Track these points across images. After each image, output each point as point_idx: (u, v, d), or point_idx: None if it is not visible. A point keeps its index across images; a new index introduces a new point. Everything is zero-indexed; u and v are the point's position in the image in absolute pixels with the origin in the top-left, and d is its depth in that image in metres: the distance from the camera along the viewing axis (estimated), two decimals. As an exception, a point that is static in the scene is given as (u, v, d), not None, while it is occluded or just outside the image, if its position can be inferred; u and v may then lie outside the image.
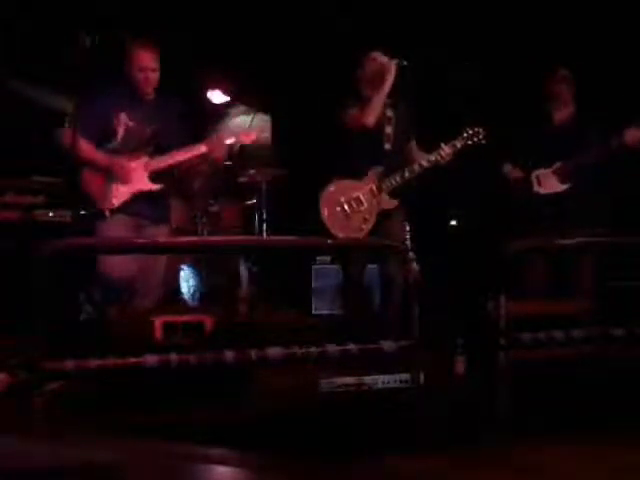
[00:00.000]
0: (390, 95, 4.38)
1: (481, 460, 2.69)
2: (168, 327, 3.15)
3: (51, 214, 4.70)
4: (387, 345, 3.02)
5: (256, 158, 5.93)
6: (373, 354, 3.06)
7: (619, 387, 3.19)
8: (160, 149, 4.06)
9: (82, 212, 3.96)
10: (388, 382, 3.12)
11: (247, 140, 4.27)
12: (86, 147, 3.88)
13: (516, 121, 4.72)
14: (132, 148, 4.00)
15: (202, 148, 4.08)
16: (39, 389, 2.65)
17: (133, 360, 2.74)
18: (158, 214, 4.14)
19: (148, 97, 4.07)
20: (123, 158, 3.96)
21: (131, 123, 4.01)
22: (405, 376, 3.01)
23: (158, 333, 3.13)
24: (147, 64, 4.00)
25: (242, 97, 6.64)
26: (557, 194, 4.45)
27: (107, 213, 3.91)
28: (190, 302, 5.44)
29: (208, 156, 4.13)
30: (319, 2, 5.90)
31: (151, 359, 2.75)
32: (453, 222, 6.10)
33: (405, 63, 4.23)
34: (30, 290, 2.68)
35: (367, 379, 3.11)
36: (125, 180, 3.95)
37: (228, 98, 6.46)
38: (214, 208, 5.73)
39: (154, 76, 4.03)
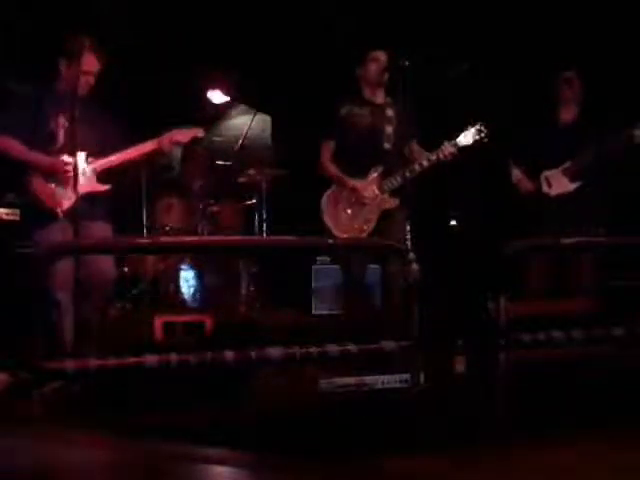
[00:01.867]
0: (390, 95, 4.39)
1: (481, 460, 2.69)
2: (168, 327, 3.15)
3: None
4: (387, 345, 3.02)
5: (256, 158, 5.94)
6: (373, 354, 3.06)
7: (619, 387, 3.19)
8: (103, 151, 4.01)
9: (31, 212, 3.90)
10: (388, 382, 3.12)
11: (184, 139, 4.16)
12: (22, 149, 3.84)
13: (521, 122, 4.70)
14: (74, 150, 3.88)
15: (150, 146, 4.04)
16: (39, 389, 2.65)
17: (133, 360, 2.74)
18: (97, 212, 4.04)
19: (83, 99, 3.96)
20: (65, 159, 3.89)
21: (70, 126, 3.88)
22: (405, 376, 3.01)
23: (158, 333, 3.13)
24: (92, 68, 3.95)
25: (242, 97, 6.64)
26: (567, 194, 4.42)
27: (60, 215, 3.83)
28: (190, 302, 5.44)
29: (156, 153, 4.10)
30: (319, 2, 5.90)
31: (151, 359, 2.75)
32: (453, 222, 6.10)
33: (406, 63, 4.22)
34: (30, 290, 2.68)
35: (367, 379, 3.11)
36: (71, 181, 3.85)
37: (228, 98, 6.46)
38: (214, 208, 5.73)
39: (92, 80, 3.98)
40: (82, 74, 3.90)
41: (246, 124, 6.02)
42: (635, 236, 3.36)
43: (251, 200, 5.84)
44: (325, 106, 4.59)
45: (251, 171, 5.61)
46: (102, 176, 4.01)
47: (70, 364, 2.67)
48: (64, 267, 3.61)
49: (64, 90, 3.94)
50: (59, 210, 3.85)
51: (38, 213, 3.87)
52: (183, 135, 4.16)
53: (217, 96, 6.43)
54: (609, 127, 4.30)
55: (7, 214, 4.49)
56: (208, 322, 3.17)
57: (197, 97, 6.36)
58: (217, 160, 5.89)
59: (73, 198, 3.85)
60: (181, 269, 5.49)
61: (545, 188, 4.47)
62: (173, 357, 2.78)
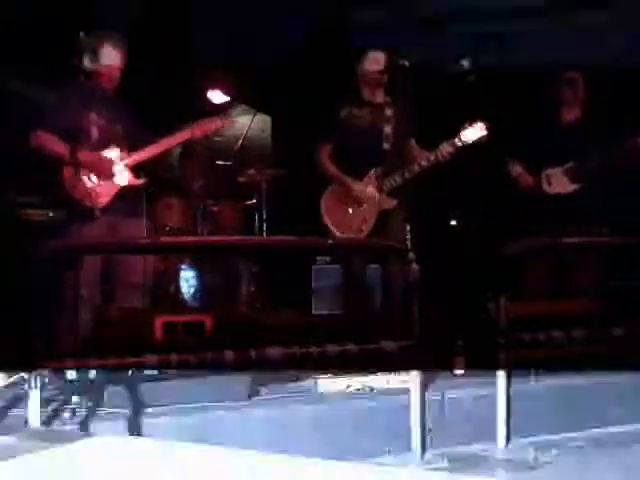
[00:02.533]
0: (390, 95, 4.40)
1: (481, 460, 2.70)
2: (168, 327, 3.15)
3: (51, 214, 4.69)
4: (387, 345, 3.03)
5: (256, 158, 5.94)
6: (373, 354, 3.06)
7: (619, 387, 3.19)
8: (134, 145, 4.04)
9: (66, 211, 3.94)
10: (388, 382, 3.12)
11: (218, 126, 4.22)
12: (59, 145, 3.86)
13: (522, 120, 4.70)
14: (107, 146, 3.97)
15: (187, 134, 4.08)
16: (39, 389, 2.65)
17: (133, 360, 2.74)
18: (134, 209, 4.11)
19: (109, 94, 4.03)
20: (100, 155, 3.93)
21: (101, 121, 3.98)
22: (405, 376, 3.01)
23: (158, 333, 3.13)
24: (114, 62, 3.98)
25: (242, 97, 6.64)
26: (566, 194, 4.44)
27: (97, 213, 3.85)
28: (190, 302, 5.44)
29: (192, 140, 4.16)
30: (319, 2, 5.90)
31: (151, 359, 2.75)
32: (453, 222, 6.10)
33: (406, 63, 4.21)
34: (30, 290, 2.68)
35: (367, 379, 3.12)
36: (107, 177, 3.91)
37: (228, 98, 6.46)
38: (214, 208, 5.73)
39: (118, 74, 4.02)
40: (105, 69, 3.93)
41: (246, 124, 6.02)
42: (635, 236, 3.36)
43: (251, 200, 5.84)
44: (325, 106, 4.59)
45: (251, 171, 5.61)
46: (136, 170, 4.03)
47: (70, 364, 2.68)
48: (91, 265, 3.65)
49: (92, 87, 3.96)
50: (96, 207, 3.86)
51: (74, 212, 3.89)
52: (215, 123, 4.18)
53: (217, 96, 6.43)
54: (612, 128, 4.31)
55: (45, 214, 4.53)
56: (208, 322, 3.16)
57: (197, 97, 6.36)
58: (217, 160, 5.89)
59: (111, 194, 3.88)
60: (181, 269, 5.49)
61: (545, 186, 4.48)
62: (173, 357, 2.79)
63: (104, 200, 3.90)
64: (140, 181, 4.05)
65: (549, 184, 4.48)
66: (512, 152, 4.60)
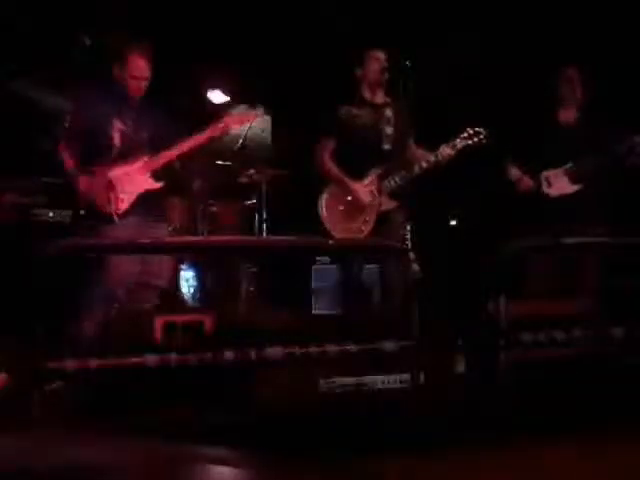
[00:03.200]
0: (390, 95, 4.39)
1: (481, 460, 2.69)
2: (168, 327, 3.15)
3: (51, 214, 4.69)
4: (387, 345, 3.03)
5: (256, 158, 5.93)
6: (373, 354, 3.06)
7: (619, 387, 3.19)
8: (157, 149, 4.06)
9: (82, 214, 3.96)
10: (388, 382, 3.12)
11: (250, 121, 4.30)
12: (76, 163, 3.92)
13: (521, 121, 4.69)
14: (131, 154, 4.01)
15: (206, 134, 4.08)
16: (39, 389, 2.66)
17: (133, 360, 2.74)
18: (159, 212, 4.18)
19: (135, 102, 4.08)
20: (122, 167, 3.97)
21: (126, 129, 4.01)
22: (405, 376, 3.01)
23: (158, 333, 3.13)
24: (142, 73, 4.01)
25: (242, 97, 6.63)
26: (568, 196, 4.41)
27: (116, 218, 3.91)
28: (190, 302, 5.44)
29: (213, 140, 4.16)
30: (319, 2, 5.90)
31: (151, 359, 2.75)
32: (453, 222, 6.10)
33: (407, 63, 4.21)
34: (30, 290, 2.68)
35: (367, 379, 3.12)
36: (128, 182, 3.95)
37: (228, 98, 6.46)
38: (214, 208, 5.73)
39: (145, 84, 4.05)
40: (132, 79, 3.97)
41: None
42: (635, 236, 3.36)
43: (251, 200, 5.83)
44: (325, 106, 4.59)
45: (251, 171, 5.60)
46: (158, 174, 4.06)
47: (70, 364, 2.68)
48: (122, 265, 3.68)
49: (118, 94, 4.00)
50: (115, 213, 3.91)
51: (93, 216, 3.92)
52: (242, 118, 4.28)
53: (217, 96, 6.42)
54: (610, 128, 4.30)
55: (54, 216, 4.54)
56: (208, 322, 3.16)
57: (197, 97, 6.36)
58: (217, 160, 5.88)
59: (130, 199, 3.93)
60: (181, 269, 5.49)
61: (545, 188, 4.47)
62: (173, 357, 2.78)
63: (123, 207, 3.95)
64: (158, 185, 4.07)
65: (549, 185, 4.47)
66: (510, 155, 4.59)
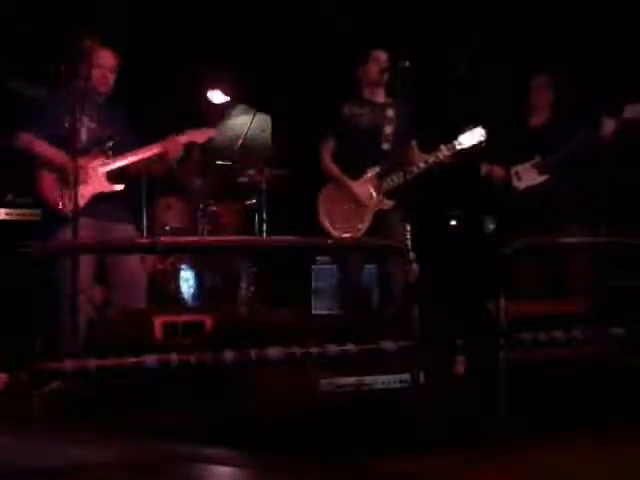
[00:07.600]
0: (390, 95, 4.40)
1: (481, 460, 2.69)
2: (168, 327, 3.15)
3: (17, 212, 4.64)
4: (387, 345, 3.02)
5: (256, 158, 5.93)
6: (373, 354, 3.06)
7: (619, 387, 3.19)
8: (117, 151, 4.04)
9: (40, 214, 3.94)
10: (388, 382, 3.12)
11: (200, 139, 4.22)
12: (44, 147, 3.88)
13: (497, 120, 4.72)
14: (93, 150, 3.99)
15: (157, 148, 4.07)
16: (39, 389, 2.65)
17: (133, 360, 2.74)
18: (120, 214, 4.11)
19: (101, 99, 4.07)
20: (83, 159, 3.89)
21: (92, 125, 4.00)
22: (405, 376, 3.01)
23: (158, 333, 3.13)
24: (106, 62, 4.00)
25: (242, 97, 6.64)
26: (536, 186, 4.49)
27: (69, 216, 3.76)
28: (190, 302, 5.44)
29: (163, 156, 4.11)
30: (319, 2, 5.90)
31: (151, 359, 2.75)
32: (453, 222, 6.10)
33: (407, 63, 4.21)
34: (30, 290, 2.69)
35: (367, 379, 3.11)
36: (83, 181, 3.87)
37: (228, 98, 6.46)
38: (214, 208, 5.73)
39: (111, 77, 4.04)
40: (97, 70, 3.96)
41: (246, 124, 6.01)
42: (635, 236, 3.36)
43: (251, 200, 5.83)
44: (325, 106, 4.59)
45: (251, 171, 5.61)
46: (114, 176, 4.02)
47: (70, 364, 2.67)
48: (84, 267, 3.65)
49: (84, 89, 3.94)
50: (67, 211, 3.83)
51: (50, 214, 3.89)
52: (198, 135, 4.18)
53: (217, 96, 6.42)
54: (580, 126, 4.36)
55: (18, 214, 4.51)
56: (208, 322, 3.16)
57: (197, 97, 6.36)
58: (217, 160, 5.89)
59: (84, 199, 3.87)
60: (181, 269, 5.49)
61: (515, 182, 4.53)
62: (173, 357, 2.78)
63: (77, 206, 3.85)
64: (118, 187, 4.03)
65: (519, 179, 4.53)
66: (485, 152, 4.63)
